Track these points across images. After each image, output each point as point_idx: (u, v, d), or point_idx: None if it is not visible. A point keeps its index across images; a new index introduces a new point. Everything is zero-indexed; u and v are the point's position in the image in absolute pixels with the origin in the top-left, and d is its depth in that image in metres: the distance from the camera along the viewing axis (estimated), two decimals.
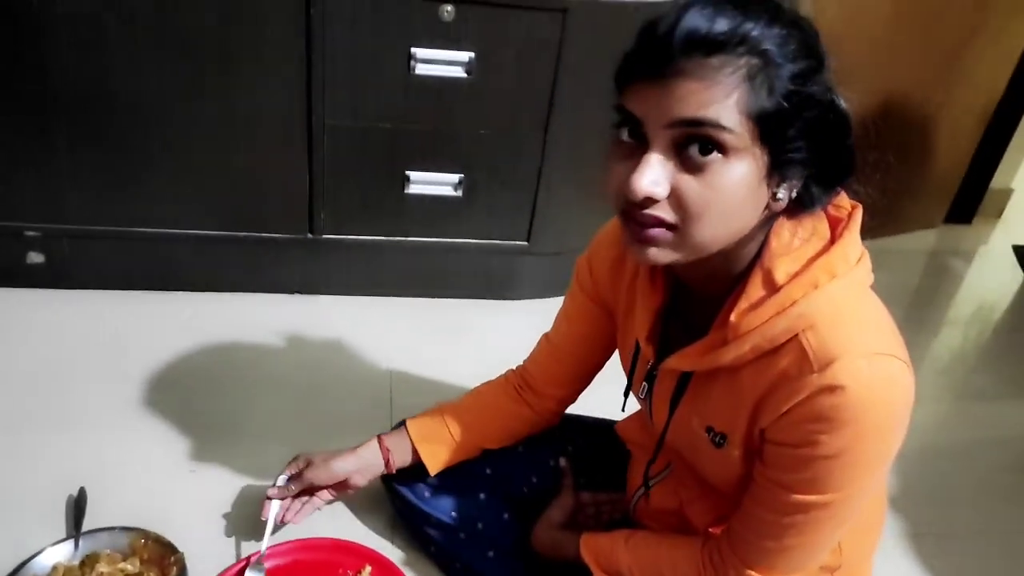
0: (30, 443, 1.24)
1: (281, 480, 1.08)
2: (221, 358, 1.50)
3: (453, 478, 1.10)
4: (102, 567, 1.02)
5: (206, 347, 1.52)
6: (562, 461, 1.10)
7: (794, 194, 0.71)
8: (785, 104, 0.65)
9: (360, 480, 1.08)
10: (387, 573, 1.08)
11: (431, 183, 1.62)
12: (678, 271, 0.80)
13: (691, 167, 0.66)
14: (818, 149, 0.68)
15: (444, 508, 1.09)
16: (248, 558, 1.06)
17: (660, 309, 0.85)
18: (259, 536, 1.07)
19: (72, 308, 1.57)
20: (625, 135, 0.68)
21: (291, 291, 1.71)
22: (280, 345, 1.56)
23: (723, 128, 0.64)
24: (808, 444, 0.71)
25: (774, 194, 0.69)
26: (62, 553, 1.04)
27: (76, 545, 1.05)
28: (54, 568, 1.02)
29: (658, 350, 0.86)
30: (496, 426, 1.11)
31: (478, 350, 1.61)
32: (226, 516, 1.16)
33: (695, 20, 0.63)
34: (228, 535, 1.14)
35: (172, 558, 1.05)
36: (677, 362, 0.81)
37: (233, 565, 1.07)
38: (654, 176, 0.65)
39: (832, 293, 0.71)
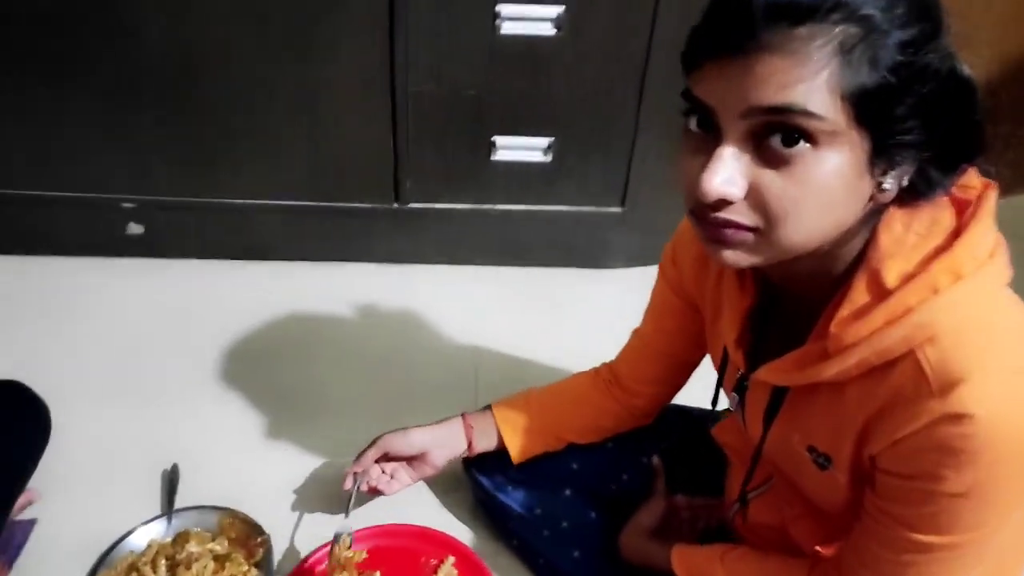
0: (126, 415, 1.28)
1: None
2: (308, 329, 1.50)
3: (537, 472, 1.05)
4: (192, 546, 1.04)
5: (294, 317, 1.52)
6: (655, 460, 1.03)
7: (905, 182, 0.59)
8: (892, 79, 0.53)
9: (440, 458, 1.04)
10: (470, 565, 1.05)
11: (519, 148, 1.54)
12: (766, 271, 0.70)
13: (773, 160, 0.55)
14: (935, 128, 0.56)
15: (527, 503, 1.04)
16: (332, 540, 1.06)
17: (750, 312, 0.75)
18: (343, 515, 1.05)
19: (168, 278, 1.61)
20: (694, 124, 0.58)
21: (377, 261, 1.69)
22: (365, 316, 1.54)
23: (811, 115, 0.53)
24: (929, 478, 0.60)
25: (879, 184, 0.58)
26: (156, 530, 1.07)
27: (169, 522, 1.08)
28: (149, 545, 1.05)
29: (750, 357, 0.76)
30: (583, 419, 1.05)
31: (569, 321, 1.54)
32: (309, 494, 1.16)
33: None
34: (311, 513, 1.14)
35: (258, 539, 1.06)
36: (769, 374, 0.71)
37: (317, 549, 1.06)
38: (727, 174, 0.56)
39: (957, 298, 0.58)
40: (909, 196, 0.60)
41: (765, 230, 0.57)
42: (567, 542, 1.01)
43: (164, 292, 1.57)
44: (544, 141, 1.52)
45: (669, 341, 0.96)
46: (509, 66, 1.42)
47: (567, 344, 1.45)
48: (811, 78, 0.52)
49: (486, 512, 1.11)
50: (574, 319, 1.56)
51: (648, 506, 0.97)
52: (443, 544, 1.08)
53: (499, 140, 1.52)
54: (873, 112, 0.54)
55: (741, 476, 0.87)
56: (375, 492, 1.07)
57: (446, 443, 1.04)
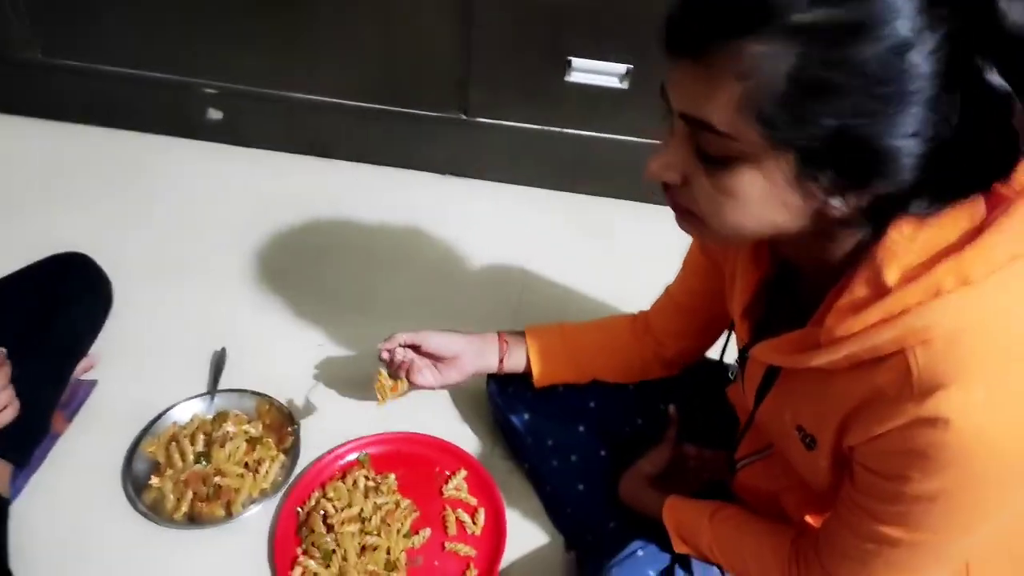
0: (183, 295, 1.36)
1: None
2: (363, 230, 1.54)
3: (555, 404, 1.06)
4: (229, 426, 1.12)
5: (352, 217, 1.56)
6: (671, 409, 1.02)
7: (865, 203, 0.55)
8: (800, 106, 0.50)
9: (470, 365, 1.05)
10: (480, 480, 1.10)
11: (595, 72, 1.48)
12: (773, 246, 0.68)
13: (705, 161, 0.57)
14: (889, 157, 0.51)
15: (541, 433, 1.06)
16: (357, 442, 1.12)
17: (759, 284, 0.73)
18: (372, 417, 1.12)
19: (237, 165, 1.66)
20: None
21: (439, 171, 1.69)
22: (419, 226, 1.56)
23: (716, 132, 0.54)
24: (898, 479, 0.59)
25: (825, 202, 0.55)
26: (199, 407, 1.15)
27: (212, 400, 1.16)
28: (192, 419, 1.14)
29: (756, 330, 0.74)
30: (613, 359, 1.05)
31: (620, 254, 1.53)
32: (343, 391, 1.22)
33: None
34: (343, 408, 1.20)
35: (289, 428, 1.14)
36: (762, 352, 0.69)
37: (342, 445, 1.13)
38: (665, 161, 0.59)
39: (959, 304, 0.54)
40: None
41: (699, 216, 0.60)
42: (574, 475, 1.04)
43: (233, 178, 1.63)
44: (622, 67, 1.46)
45: (697, 300, 0.95)
46: None
47: (614, 277, 1.44)
48: (717, 96, 0.52)
49: (503, 435, 1.15)
50: (626, 252, 1.54)
51: (653, 453, 0.98)
52: (458, 458, 1.13)
53: (575, 61, 1.47)
54: (785, 134, 0.52)
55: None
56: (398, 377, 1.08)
57: (480, 353, 1.06)
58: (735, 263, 0.76)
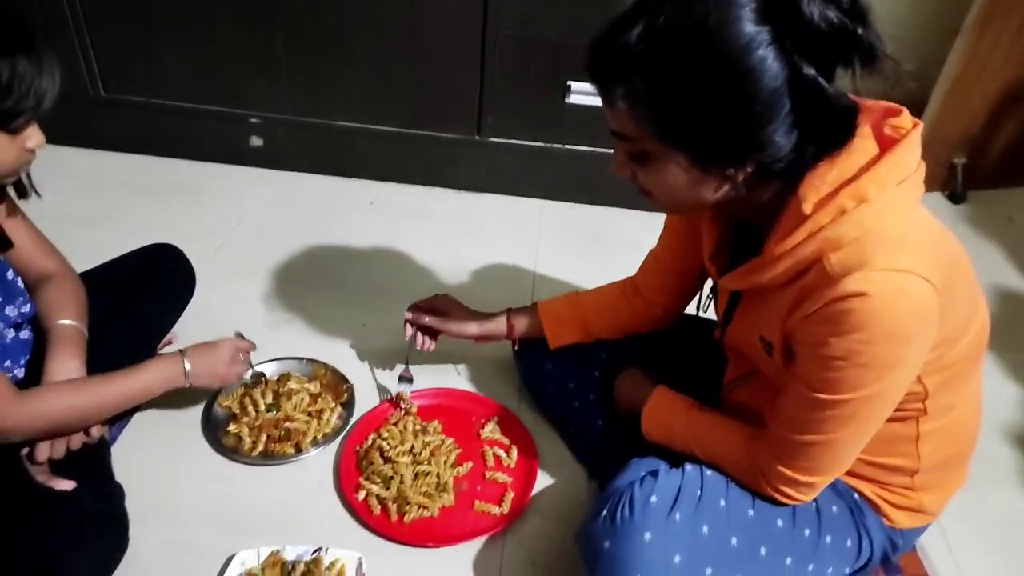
0: (235, 291, 1.55)
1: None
2: (394, 239, 1.74)
3: (573, 357, 1.24)
4: (292, 384, 1.29)
5: (382, 228, 1.77)
6: None
7: (751, 169, 0.76)
8: (667, 119, 0.73)
9: (478, 329, 1.25)
10: (512, 425, 1.27)
11: (592, 94, 1.71)
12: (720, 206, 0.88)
13: (635, 160, 0.80)
14: (749, 139, 0.73)
15: (562, 379, 1.24)
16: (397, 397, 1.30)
17: (720, 236, 0.94)
18: (409, 379, 1.31)
19: (280, 185, 1.88)
20: None
21: (456, 188, 1.91)
22: (442, 234, 1.77)
23: (627, 139, 0.77)
24: (820, 344, 0.78)
25: (723, 174, 0.77)
26: (269, 370, 1.33)
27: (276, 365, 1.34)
28: (264, 377, 1.31)
29: (721, 270, 0.95)
30: (610, 321, 1.23)
31: (623, 255, 1.70)
32: (385, 358, 1.40)
33: (589, 53, 0.76)
34: (385, 371, 1.38)
35: (344, 386, 1.31)
36: (727, 282, 0.90)
37: (387, 399, 1.30)
38: (617, 160, 0.82)
39: (859, 218, 0.74)
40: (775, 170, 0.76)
41: (653, 196, 0.83)
42: (593, 412, 1.21)
43: (276, 196, 1.84)
44: None
45: (676, 257, 1.13)
46: (588, 16, 1.59)
47: (612, 273, 1.62)
48: (621, 116, 0.75)
49: (529, 388, 1.33)
50: (627, 252, 1.73)
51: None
52: (490, 407, 1.31)
53: (574, 85, 1.71)
54: (670, 137, 0.74)
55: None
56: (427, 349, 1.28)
57: (490, 333, 1.25)
58: (702, 220, 0.98)
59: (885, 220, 0.75)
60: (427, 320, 1.25)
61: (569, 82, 1.70)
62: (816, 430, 0.84)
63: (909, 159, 0.77)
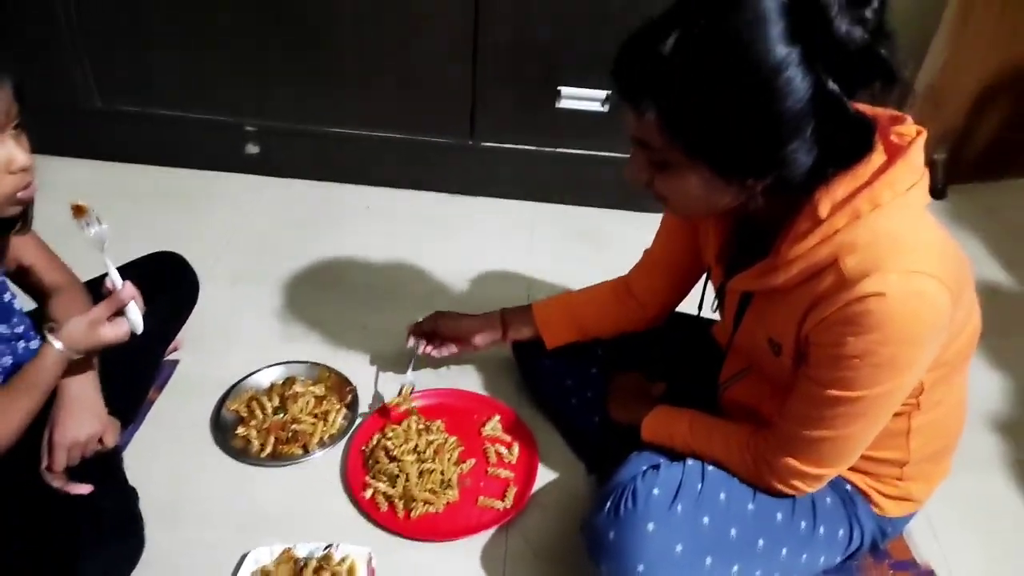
0: (246, 291, 1.58)
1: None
2: (391, 243, 1.77)
3: (571, 354, 1.28)
4: (298, 387, 1.33)
5: (378, 232, 1.80)
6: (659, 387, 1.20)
7: (769, 180, 0.76)
8: (692, 133, 0.74)
9: (480, 341, 1.29)
10: (512, 422, 1.31)
11: (581, 98, 1.76)
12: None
13: (655, 167, 0.80)
14: (772, 154, 0.73)
15: (560, 376, 1.28)
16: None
17: (726, 236, 0.96)
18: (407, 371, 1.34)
19: (278, 192, 1.91)
20: None
21: (450, 191, 1.95)
22: (437, 236, 1.81)
23: (651, 148, 0.77)
24: (837, 344, 0.80)
25: (743, 184, 0.77)
26: (274, 374, 1.36)
27: (281, 369, 1.37)
28: (271, 385, 1.34)
29: (728, 270, 0.97)
30: (603, 321, 1.27)
31: (615, 255, 1.74)
32: (386, 361, 1.44)
33: (618, 60, 0.75)
34: (387, 373, 1.41)
35: (348, 388, 1.35)
36: (738, 282, 0.92)
37: (390, 401, 1.33)
38: (631, 169, 0.83)
39: (874, 222, 0.77)
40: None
41: (668, 202, 0.84)
42: (590, 408, 1.25)
43: (273, 203, 1.87)
44: (602, 93, 1.74)
45: (673, 257, 1.16)
46: (577, 23, 1.64)
47: (603, 273, 1.67)
48: (647, 125, 0.75)
49: (528, 385, 1.37)
50: (619, 252, 1.76)
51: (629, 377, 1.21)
52: (491, 406, 1.34)
53: (564, 90, 1.75)
54: (695, 149, 0.75)
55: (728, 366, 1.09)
56: (430, 356, 1.33)
57: (486, 331, 1.29)
58: (706, 221, 1.01)
59: (899, 224, 0.78)
60: (435, 353, 1.31)
61: (559, 87, 1.74)
62: (828, 426, 0.87)
63: (917, 165, 0.80)
